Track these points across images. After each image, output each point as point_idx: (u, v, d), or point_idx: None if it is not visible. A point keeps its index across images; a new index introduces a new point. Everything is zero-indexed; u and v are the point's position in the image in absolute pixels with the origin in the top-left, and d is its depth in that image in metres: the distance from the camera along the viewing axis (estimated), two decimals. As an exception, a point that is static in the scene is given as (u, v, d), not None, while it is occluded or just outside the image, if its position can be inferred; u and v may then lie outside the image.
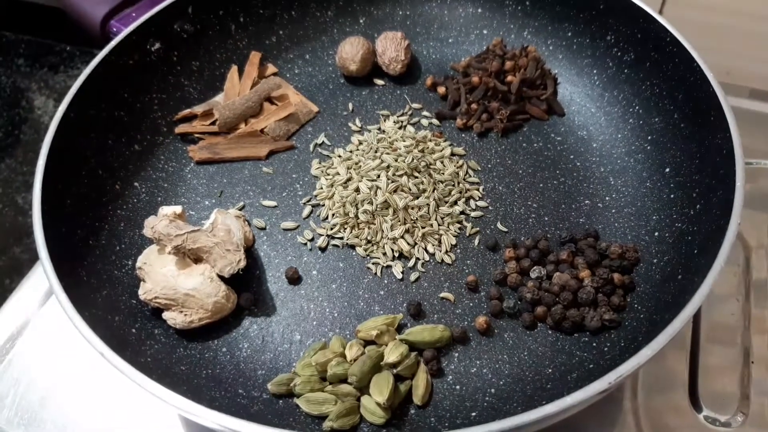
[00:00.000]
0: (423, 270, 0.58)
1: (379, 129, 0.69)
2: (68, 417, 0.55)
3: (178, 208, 0.55)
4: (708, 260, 0.47)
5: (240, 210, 0.63)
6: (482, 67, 0.70)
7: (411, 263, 0.59)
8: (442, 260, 0.59)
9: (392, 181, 0.61)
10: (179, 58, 0.70)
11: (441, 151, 0.65)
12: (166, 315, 0.53)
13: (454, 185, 0.63)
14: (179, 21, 0.69)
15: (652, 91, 0.64)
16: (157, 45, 0.67)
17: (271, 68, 0.74)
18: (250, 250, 0.59)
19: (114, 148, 0.63)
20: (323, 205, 0.63)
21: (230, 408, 0.47)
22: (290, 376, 0.51)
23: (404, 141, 0.64)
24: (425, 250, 0.59)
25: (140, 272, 0.54)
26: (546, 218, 0.61)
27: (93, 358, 0.54)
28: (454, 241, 0.60)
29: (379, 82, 0.73)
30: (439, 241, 0.60)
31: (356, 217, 0.60)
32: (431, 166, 0.63)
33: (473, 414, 0.48)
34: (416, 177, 0.61)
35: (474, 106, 0.69)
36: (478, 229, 0.61)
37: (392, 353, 0.50)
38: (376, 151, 0.64)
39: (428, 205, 0.60)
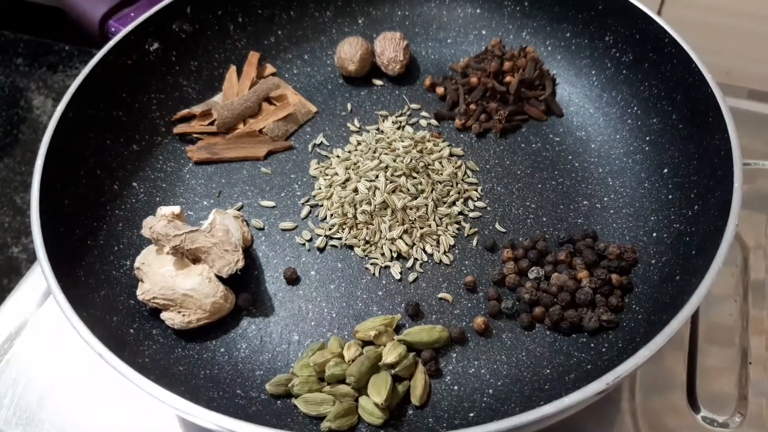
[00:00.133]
0: (421, 270, 0.58)
1: (378, 129, 0.69)
2: (66, 417, 0.55)
3: (176, 209, 0.55)
4: (706, 261, 0.47)
5: (238, 210, 0.63)
6: (481, 68, 0.70)
7: (409, 264, 0.59)
8: (441, 261, 0.59)
9: (391, 182, 0.61)
10: (178, 58, 0.70)
11: (439, 151, 0.65)
12: (164, 315, 0.53)
13: (452, 186, 0.63)
14: (178, 21, 0.69)
15: (650, 92, 0.64)
16: (155, 45, 0.67)
17: (269, 68, 0.74)
18: (248, 251, 0.59)
19: (112, 148, 0.63)
20: (322, 206, 0.63)
21: (228, 408, 0.47)
22: (288, 376, 0.51)
23: (403, 141, 0.64)
24: (423, 250, 0.59)
25: (138, 272, 0.54)
26: (544, 219, 0.61)
27: (91, 359, 0.54)
28: (452, 242, 0.60)
29: (378, 82, 0.74)
30: (438, 242, 0.60)
31: (354, 217, 0.60)
32: (430, 167, 0.63)
33: (471, 414, 0.48)
34: (415, 177, 0.61)
35: (472, 106, 0.69)
36: (476, 229, 0.61)
37: (390, 354, 0.50)
38: (374, 152, 0.64)
39: (427, 205, 0.60)
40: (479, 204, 0.63)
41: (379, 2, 0.77)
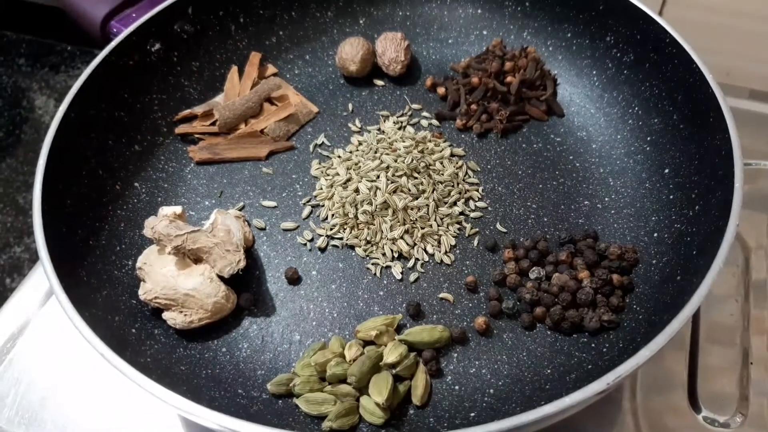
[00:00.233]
0: (422, 270, 0.58)
1: (379, 129, 0.69)
2: (68, 417, 0.55)
3: (178, 209, 0.55)
4: (707, 261, 0.47)
5: (240, 210, 0.63)
6: (482, 68, 0.71)
7: (410, 264, 0.59)
8: (442, 261, 0.59)
9: (392, 182, 0.61)
10: (179, 59, 0.70)
11: (440, 151, 0.65)
12: (165, 315, 0.53)
13: (453, 186, 0.63)
14: (179, 21, 0.69)
15: (651, 92, 0.64)
16: (157, 45, 0.68)
17: (271, 69, 0.74)
18: (249, 251, 0.59)
19: (114, 149, 0.63)
20: (323, 206, 0.63)
21: (230, 408, 0.48)
22: (290, 376, 0.51)
23: (404, 141, 0.64)
24: (424, 250, 0.59)
25: (140, 272, 0.54)
26: (545, 219, 0.61)
27: (93, 358, 0.55)
28: (453, 242, 0.60)
29: (379, 82, 0.74)
30: (439, 242, 0.60)
31: (356, 217, 0.60)
32: (431, 167, 0.63)
33: (472, 414, 0.49)
34: (416, 178, 0.62)
35: (474, 106, 0.69)
36: (477, 229, 0.61)
37: (391, 353, 0.50)
38: (375, 152, 0.64)
39: (428, 205, 0.60)
40: (480, 204, 0.63)
41: (381, 3, 0.77)
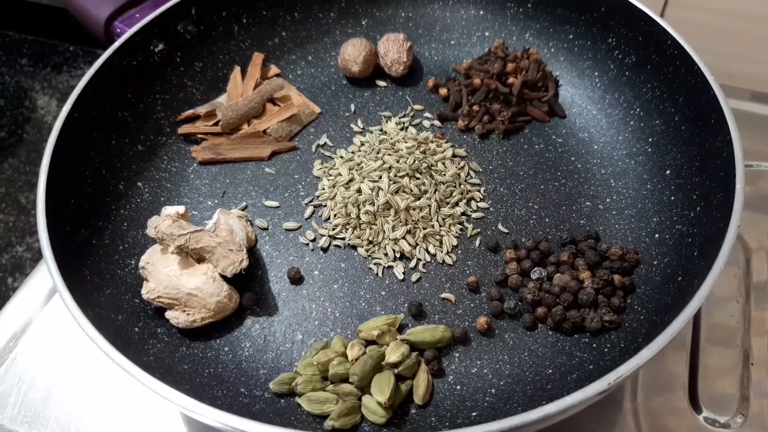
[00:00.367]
0: (424, 271, 0.58)
1: (381, 130, 0.69)
2: (71, 415, 0.55)
3: (181, 208, 0.56)
4: (708, 262, 0.47)
5: (242, 210, 0.63)
6: (484, 69, 0.71)
7: (412, 264, 0.59)
8: (444, 261, 0.59)
9: (394, 182, 0.61)
10: (182, 59, 0.70)
11: (442, 152, 0.65)
12: (168, 314, 0.53)
13: (455, 186, 0.63)
14: (183, 22, 0.70)
15: (653, 94, 0.64)
16: (160, 46, 0.68)
17: (273, 69, 0.74)
18: (252, 250, 0.59)
19: (117, 148, 0.63)
20: (325, 206, 0.63)
21: (232, 407, 0.48)
22: (292, 375, 0.51)
23: (406, 142, 0.65)
24: (426, 250, 0.60)
25: (143, 272, 0.54)
26: (547, 220, 0.61)
27: (96, 357, 0.55)
28: (455, 242, 0.60)
29: (381, 83, 0.74)
30: (441, 242, 0.60)
31: (358, 217, 0.60)
32: (433, 168, 0.63)
33: (474, 414, 0.49)
34: (418, 178, 0.62)
35: (475, 107, 0.69)
36: (479, 230, 0.61)
37: (393, 353, 0.50)
38: (377, 152, 0.64)
39: (430, 206, 0.61)
40: (482, 205, 0.63)
41: (383, 4, 0.77)
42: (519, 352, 0.53)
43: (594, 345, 0.52)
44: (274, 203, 0.64)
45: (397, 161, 0.62)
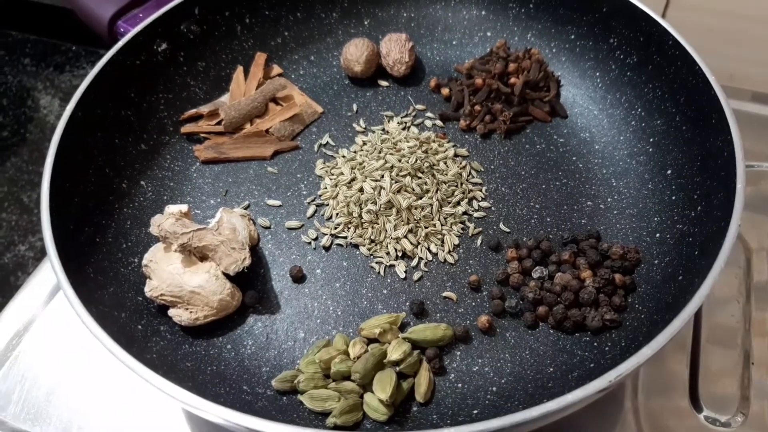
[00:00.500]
0: (426, 269, 0.59)
1: (383, 130, 0.69)
2: (74, 412, 0.56)
3: (184, 207, 0.56)
4: (708, 261, 0.47)
5: (245, 209, 0.63)
6: (486, 69, 0.71)
7: (414, 263, 0.59)
8: (445, 260, 0.59)
9: (396, 182, 0.61)
10: (185, 59, 0.70)
11: (444, 152, 0.66)
12: (171, 312, 0.53)
13: (457, 186, 0.63)
14: (186, 22, 0.70)
15: (654, 94, 0.64)
16: (163, 45, 0.68)
17: (276, 69, 0.75)
18: (255, 249, 0.59)
19: (121, 147, 0.63)
20: (327, 205, 0.63)
21: (234, 404, 0.47)
22: (294, 373, 0.51)
23: (408, 142, 0.65)
24: (428, 249, 0.60)
25: (146, 270, 0.54)
26: (548, 219, 0.62)
27: (98, 355, 0.55)
28: (456, 241, 0.60)
29: (384, 83, 0.74)
30: (442, 241, 0.60)
31: (360, 216, 0.61)
32: (435, 167, 0.63)
33: (475, 411, 0.49)
34: (420, 177, 0.62)
35: (477, 107, 0.69)
36: (480, 229, 0.61)
37: (395, 351, 0.51)
38: (380, 152, 0.65)
39: (431, 205, 0.61)
40: (484, 204, 0.63)
41: (385, 4, 0.77)
42: (520, 350, 0.53)
43: (595, 344, 0.52)
44: (277, 202, 0.64)
45: (399, 161, 0.62)
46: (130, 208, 0.61)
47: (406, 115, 0.71)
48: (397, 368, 0.50)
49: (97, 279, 0.53)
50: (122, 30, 0.76)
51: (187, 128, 0.68)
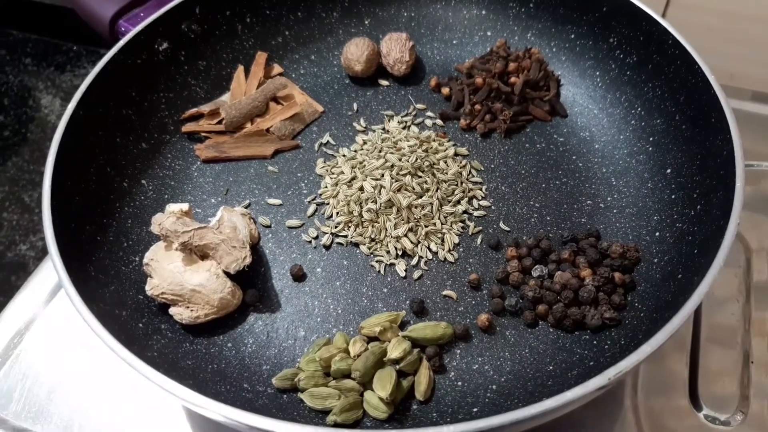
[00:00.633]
0: (426, 268, 0.59)
1: (384, 129, 0.69)
2: (75, 410, 0.56)
3: (185, 206, 0.56)
4: (708, 260, 0.47)
5: (246, 208, 0.63)
6: (486, 69, 0.71)
7: (414, 261, 0.59)
8: (445, 259, 0.59)
9: (396, 181, 0.61)
10: (186, 58, 0.70)
11: (444, 151, 0.66)
12: (172, 310, 0.53)
13: (457, 185, 0.63)
14: (187, 21, 0.70)
15: (654, 93, 0.65)
16: (164, 45, 0.68)
17: (277, 68, 0.75)
18: (255, 248, 0.59)
19: (122, 146, 0.63)
20: (328, 204, 0.63)
21: (235, 402, 0.48)
22: (294, 371, 0.51)
23: (408, 141, 0.65)
24: (428, 248, 0.60)
25: (147, 268, 0.54)
26: (548, 218, 0.62)
27: (99, 353, 0.55)
28: (457, 240, 0.60)
29: (384, 82, 0.74)
30: (442, 240, 0.60)
31: (360, 215, 0.61)
32: (435, 166, 0.63)
33: (475, 410, 0.49)
34: (420, 176, 0.62)
35: (477, 106, 0.70)
36: (480, 228, 0.61)
37: (395, 349, 0.51)
38: (380, 151, 0.65)
39: (431, 204, 0.61)
40: (484, 203, 0.63)
41: (386, 3, 0.78)
42: (520, 348, 0.53)
43: (594, 342, 0.52)
44: (277, 201, 0.64)
45: (400, 160, 0.62)
46: (131, 206, 0.61)
47: (406, 115, 0.71)
48: (397, 366, 0.51)
49: (98, 277, 0.53)
50: (123, 29, 0.76)
51: (187, 127, 0.69)
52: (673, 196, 0.59)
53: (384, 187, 0.61)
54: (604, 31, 0.69)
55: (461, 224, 0.61)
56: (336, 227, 0.61)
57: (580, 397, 0.41)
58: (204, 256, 0.55)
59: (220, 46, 0.73)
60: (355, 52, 0.72)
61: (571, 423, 0.54)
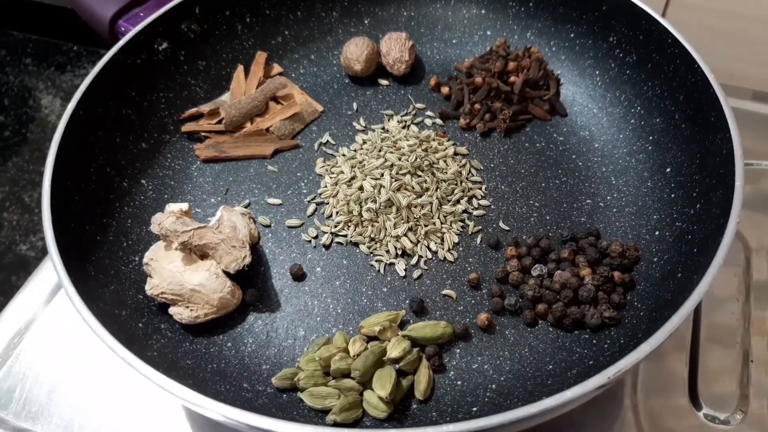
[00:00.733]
0: (426, 267, 0.59)
1: (383, 128, 0.69)
2: (75, 410, 0.56)
3: (184, 205, 0.56)
4: (707, 259, 0.47)
5: (245, 207, 0.63)
6: (485, 68, 0.71)
7: (414, 261, 0.59)
8: (445, 258, 0.59)
9: (396, 180, 0.61)
10: (186, 58, 0.70)
11: (444, 150, 0.66)
12: (172, 310, 0.53)
13: (456, 184, 0.63)
14: (186, 21, 0.70)
15: (653, 92, 0.65)
16: (164, 45, 0.68)
17: (276, 68, 0.75)
18: (255, 247, 0.59)
19: (122, 146, 0.63)
20: (327, 203, 0.63)
21: (235, 401, 0.48)
22: (294, 370, 0.51)
23: (408, 140, 0.65)
24: (428, 248, 0.60)
25: (147, 268, 0.54)
26: (548, 217, 0.62)
27: (99, 353, 0.56)
28: (456, 240, 0.60)
29: (384, 82, 0.74)
30: (442, 239, 0.60)
31: (360, 215, 0.61)
32: (434, 165, 0.63)
33: (474, 409, 0.49)
34: (419, 176, 0.62)
35: (477, 106, 0.70)
36: (480, 227, 0.61)
37: (395, 349, 0.51)
38: (380, 150, 0.65)
39: (431, 203, 0.61)
40: (483, 202, 0.63)
41: (385, 3, 0.78)
42: (519, 348, 0.53)
43: (594, 341, 0.52)
44: (277, 201, 0.64)
45: (399, 159, 0.62)
46: (130, 206, 0.61)
47: (406, 114, 0.71)
48: (397, 366, 0.51)
49: (98, 277, 0.53)
50: (123, 29, 0.76)
51: (187, 127, 0.69)
52: (672, 195, 0.59)
53: (384, 187, 0.61)
54: (603, 31, 0.69)
55: (461, 223, 0.61)
56: (336, 227, 0.61)
57: (580, 396, 0.41)
58: (204, 256, 0.55)
59: (220, 46, 0.73)
60: (355, 51, 0.72)
61: (570, 422, 0.54)
